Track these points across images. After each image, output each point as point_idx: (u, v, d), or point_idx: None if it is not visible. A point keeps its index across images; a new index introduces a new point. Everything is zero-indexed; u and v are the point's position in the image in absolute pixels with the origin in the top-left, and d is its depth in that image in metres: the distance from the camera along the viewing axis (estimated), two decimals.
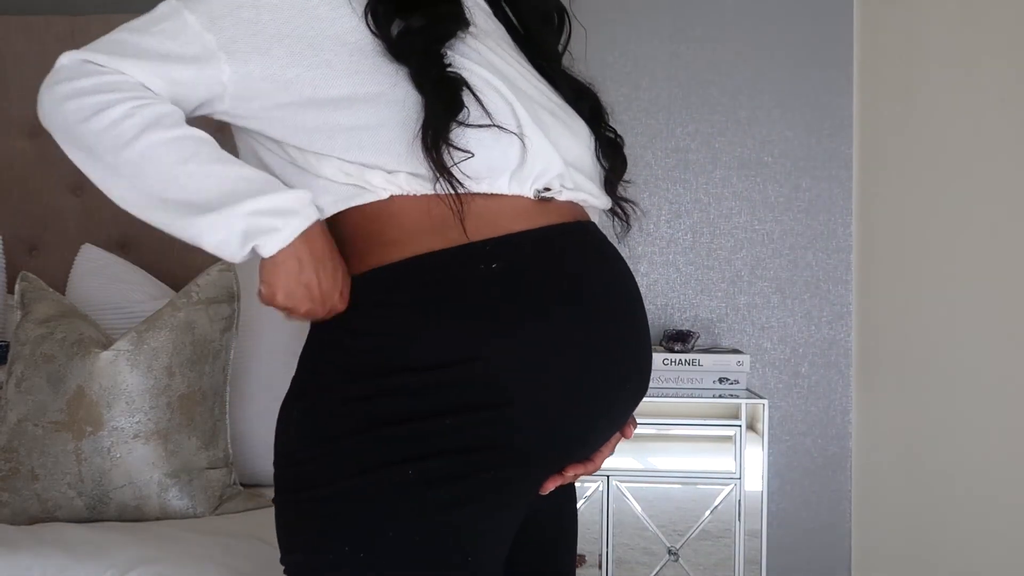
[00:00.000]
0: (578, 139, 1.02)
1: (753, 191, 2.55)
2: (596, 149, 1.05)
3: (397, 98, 0.91)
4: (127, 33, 0.93)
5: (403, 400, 0.90)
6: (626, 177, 1.10)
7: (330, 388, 0.93)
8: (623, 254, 1.04)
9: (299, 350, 1.83)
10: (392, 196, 0.92)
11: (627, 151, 1.12)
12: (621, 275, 1.01)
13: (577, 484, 1.13)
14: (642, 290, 1.11)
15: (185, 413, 1.69)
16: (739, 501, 2.20)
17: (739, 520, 2.21)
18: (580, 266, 0.96)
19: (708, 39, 2.54)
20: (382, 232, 0.93)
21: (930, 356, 2.18)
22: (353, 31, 0.92)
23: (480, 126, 0.90)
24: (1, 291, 2.15)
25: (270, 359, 1.96)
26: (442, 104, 0.89)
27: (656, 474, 2.25)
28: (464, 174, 0.90)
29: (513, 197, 0.94)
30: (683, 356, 2.34)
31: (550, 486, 0.98)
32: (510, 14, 1.11)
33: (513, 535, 0.96)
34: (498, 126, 0.91)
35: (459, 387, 0.89)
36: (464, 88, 0.91)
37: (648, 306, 2.21)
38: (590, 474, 1.02)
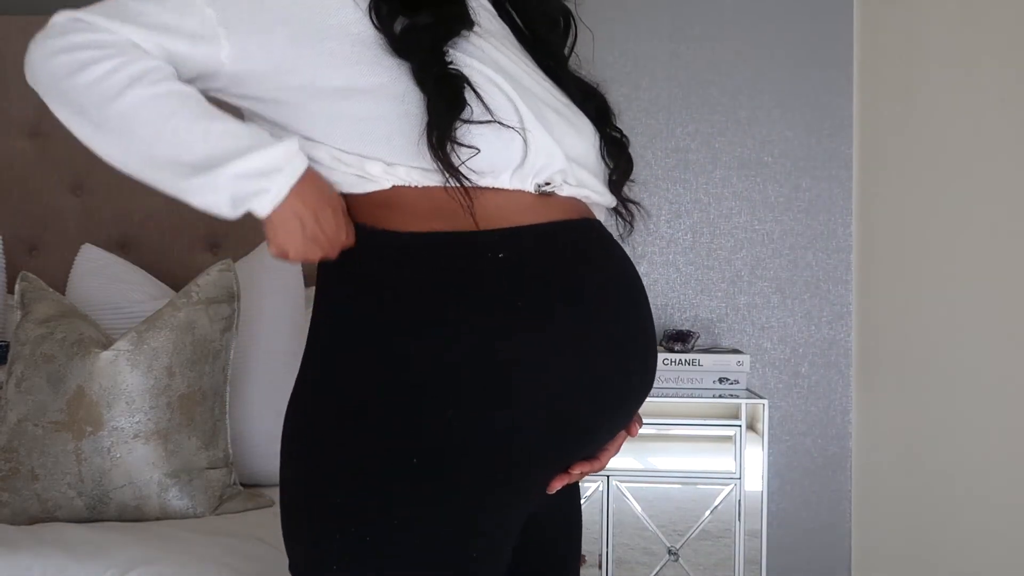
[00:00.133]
0: (582, 137, 1.02)
1: (753, 191, 2.55)
2: (601, 148, 1.06)
3: (397, 92, 0.91)
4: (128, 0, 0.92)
5: (407, 390, 0.89)
6: (631, 177, 1.11)
7: (336, 383, 0.93)
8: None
9: (299, 350, 1.83)
10: (395, 186, 0.93)
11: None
12: (626, 273, 1.01)
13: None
14: None
15: (185, 413, 1.68)
16: (739, 501, 2.20)
17: (739, 520, 2.21)
18: (585, 263, 0.97)
19: (708, 39, 2.54)
20: (388, 218, 0.94)
21: (930, 356, 2.18)
22: (357, 22, 0.93)
23: (482, 122, 0.91)
24: (1, 291, 2.15)
25: (270, 359, 1.96)
26: (444, 102, 0.90)
27: (656, 474, 2.25)
28: (471, 170, 0.90)
29: (515, 192, 0.94)
30: (683, 356, 2.34)
31: (557, 485, 0.98)
32: (515, 17, 1.11)
33: (517, 535, 0.96)
34: (499, 122, 0.91)
35: (462, 381, 0.89)
36: (466, 85, 0.91)
37: None
38: (596, 472, 1.02)
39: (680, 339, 2.39)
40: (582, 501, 2.16)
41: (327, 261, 0.95)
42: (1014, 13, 1.88)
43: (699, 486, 2.24)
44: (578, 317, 0.93)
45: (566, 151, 0.97)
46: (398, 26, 0.93)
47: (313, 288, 2.16)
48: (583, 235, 0.99)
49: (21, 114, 2.36)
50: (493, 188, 0.93)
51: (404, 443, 0.89)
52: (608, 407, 0.97)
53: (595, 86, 1.12)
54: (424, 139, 0.89)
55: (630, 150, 1.11)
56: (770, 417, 2.47)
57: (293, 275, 2.07)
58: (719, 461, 2.23)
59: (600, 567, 2.22)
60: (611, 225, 1.09)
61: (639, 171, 1.13)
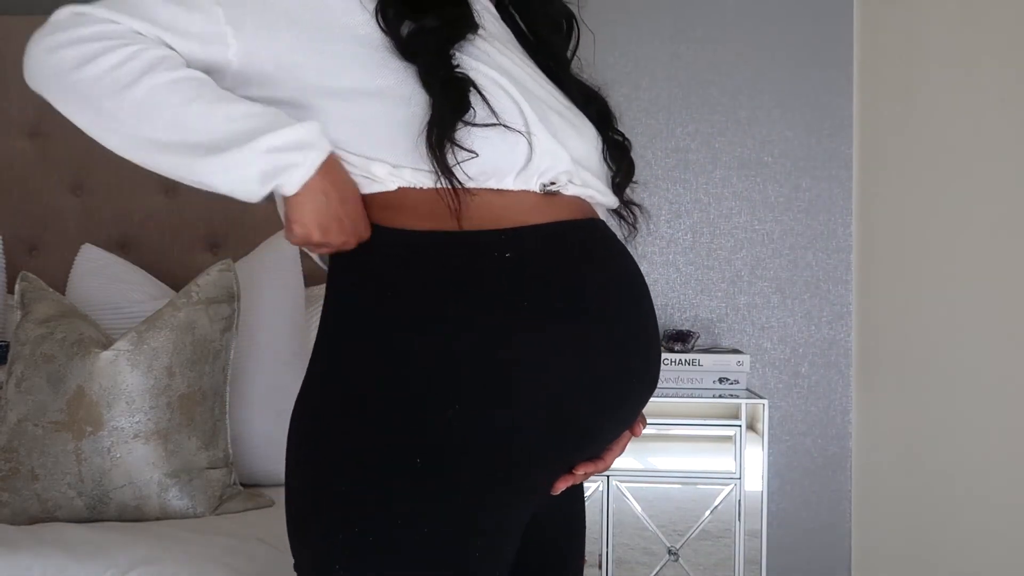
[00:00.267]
0: (585, 140, 1.03)
1: (753, 191, 2.55)
2: (603, 151, 1.06)
3: (403, 95, 0.91)
4: None
5: (408, 386, 0.90)
6: (634, 178, 1.11)
7: (341, 373, 0.93)
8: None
9: (299, 350, 1.84)
10: (400, 187, 0.93)
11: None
12: (630, 273, 1.01)
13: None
14: None
15: (185, 413, 1.68)
16: (739, 501, 2.21)
17: (739, 520, 2.21)
18: (589, 264, 0.97)
19: (708, 39, 2.55)
20: (393, 219, 0.94)
21: (930, 356, 2.18)
22: (363, 25, 0.93)
23: (486, 125, 0.91)
24: (1, 291, 2.15)
25: (270, 359, 1.96)
26: (449, 104, 0.90)
27: (656, 474, 2.25)
28: (466, 174, 0.90)
29: (520, 192, 0.95)
30: (683, 356, 2.34)
31: (561, 486, 0.98)
32: (518, 19, 1.11)
33: (519, 535, 0.96)
34: (504, 125, 0.92)
35: (463, 379, 0.89)
36: (471, 88, 0.91)
37: None
38: (600, 472, 1.02)
39: (680, 339, 2.39)
40: None
41: (341, 253, 0.95)
42: (1014, 13, 1.88)
43: (699, 486, 2.24)
44: (579, 317, 0.93)
45: (570, 152, 0.98)
46: (404, 29, 0.93)
47: (313, 288, 2.16)
48: (589, 235, 0.99)
49: (21, 114, 2.36)
50: (497, 189, 0.93)
51: (405, 439, 0.89)
52: (609, 407, 0.97)
53: (596, 89, 1.12)
54: (424, 137, 0.89)
55: (631, 153, 1.11)
56: (770, 417, 2.47)
57: (293, 275, 2.07)
58: (719, 461, 2.23)
59: (600, 567, 2.22)
60: (613, 226, 1.10)
61: (639, 171, 1.13)
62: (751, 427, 2.24)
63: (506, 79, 0.95)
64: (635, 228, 1.12)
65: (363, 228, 0.93)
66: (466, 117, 0.90)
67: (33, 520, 1.61)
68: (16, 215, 2.35)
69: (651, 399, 1.04)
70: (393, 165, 0.92)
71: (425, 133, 0.89)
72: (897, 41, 2.35)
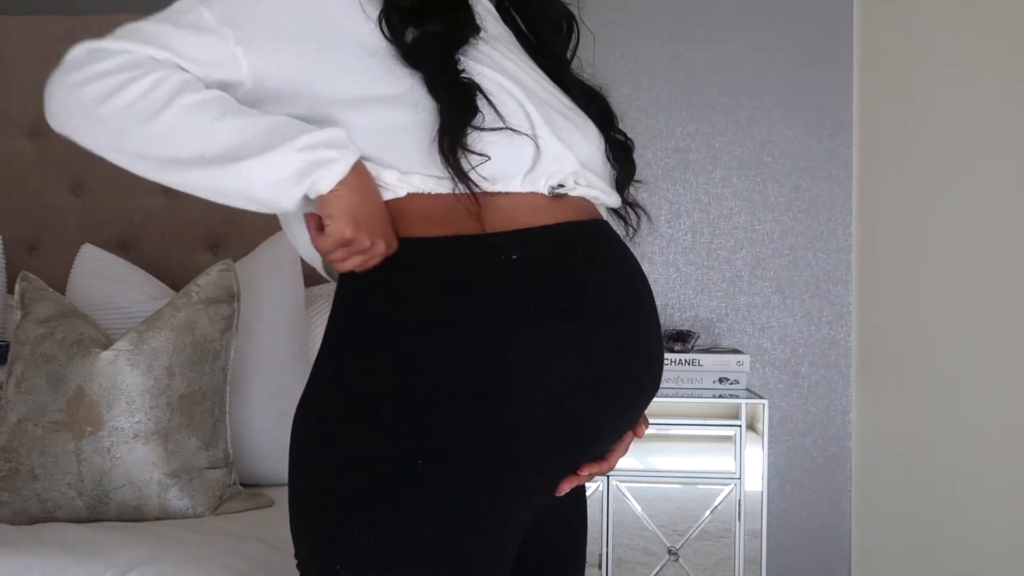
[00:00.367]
0: (589, 140, 1.03)
1: (753, 191, 2.55)
2: (606, 151, 1.07)
3: (411, 101, 0.92)
4: (143, 23, 0.93)
5: (413, 390, 0.90)
6: (635, 177, 1.12)
7: (345, 380, 0.94)
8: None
9: (299, 350, 1.84)
10: (409, 194, 0.94)
11: None
12: (634, 274, 1.02)
13: None
14: None
15: (185, 413, 1.68)
16: (739, 501, 2.21)
17: (739, 520, 2.21)
18: (597, 264, 0.97)
19: (708, 40, 2.54)
20: (402, 226, 0.94)
21: (930, 356, 2.18)
22: (368, 34, 0.94)
23: (494, 129, 0.91)
24: (1, 291, 2.15)
25: (270, 359, 1.96)
26: (457, 109, 0.90)
27: (656, 474, 2.25)
28: (481, 176, 0.91)
29: (527, 194, 0.95)
30: (683, 356, 2.34)
31: (566, 487, 0.99)
32: (519, 20, 1.12)
33: (521, 536, 0.96)
34: (511, 128, 0.92)
35: (467, 381, 0.90)
36: (478, 93, 0.92)
37: None
38: (604, 473, 1.02)
39: (680, 339, 2.39)
40: None
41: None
42: (1014, 13, 1.88)
43: (699, 486, 2.24)
44: (581, 318, 0.93)
45: (576, 155, 0.98)
46: (409, 35, 0.94)
47: (313, 288, 2.17)
48: (595, 236, 1.00)
49: (21, 114, 2.36)
50: (504, 192, 0.94)
51: (408, 442, 0.89)
52: (610, 407, 0.98)
53: (598, 89, 1.13)
54: (436, 145, 0.90)
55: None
56: (770, 417, 2.47)
57: (293, 275, 2.07)
58: (719, 461, 2.23)
59: (600, 567, 2.22)
60: (613, 225, 1.10)
61: (639, 171, 1.14)
62: (751, 427, 2.24)
63: (511, 82, 0.95)
64: (635, 228, 1.12)
65: (391, 234, 0.93)
66: (474, 122, 0.90)
67: (33, 520, 1.61)
68: (16, 215, 2.35)
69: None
70: (403, 171, 0.93)
71: (437, 140, 0.90)
72: (897, 41, 2.35)
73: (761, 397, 2.25)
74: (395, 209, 0.94)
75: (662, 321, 2.52)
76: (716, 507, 2.22)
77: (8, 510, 1.61)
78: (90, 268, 2.16)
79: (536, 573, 1.07)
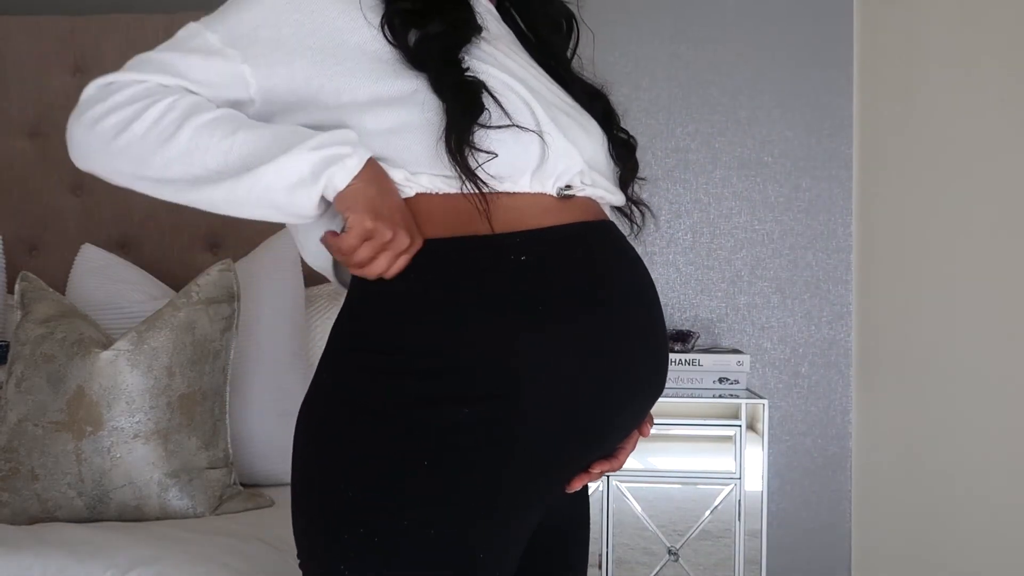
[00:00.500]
0: (593, 139, 1.03)
1: (753, 191, 2.55)
2: (610, 149, 1.07)
3: (417, 102, 0.92)
4: (151, 53, 0.96)
5: (419, 391, 0.90)
6: (638, 175, 1.12)
7: (350, 382, 0.94)
8: None
9: (299, 350, 1.84)
10: (418, 194, 0.94)
11: None
12: (641, 275, 1.02)
13: None
14: None
15: (185, 413, 1.68)
16: (739, 501, 2.20)
17: (739, 520, 2.21)
18: (604, 265, 0.98)
19: (708, 40, 2.54)
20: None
21: (930, 356, 2.18)
22: (372, 41, 0.94)
23: (500, 127, 0.92)
24: (1, 291, 2.15)
25: (270, 359, 1.96)
26: (462, 107, 0.91)
27: (656, 474, 2.25)
28: (488, 174, 0.91)
29: (536, 195, 0.95)
30: (683, 356, 2.34)
31: (577, 484, 0.99)
32: (518, 20, 1.12)
33: (525, 540, 0.97)
34: (518, 126, 0.92)
35: (477, 382, 0.90)
36: (483, 91, 0.92)
37: None
38: (615, 470, 1.03)
39: (680, 339, 2.39)
40: None
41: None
42: (1014, 13, 1.88)
43: (699, 486, 2.24)
44: (598, 321, 0.94)
45: (581, 153, 0.99)
46: (411, 37, 0.94)
47: (313, 288, 2.17)
48: (603, 237, 1.00)
49: (21, 114, 2.36)
50: (512, 192, 0.94)
51: (414, 444, 0.89)
52: (616, 408, 0.98)
53: (599, 88, 1.13)
54: (443, 144, 0.90)
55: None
56: (770, 417, 2.47)
57: (293, 275, 2.07)
58: (719, 461, 2.23)
59: (600, 567, 2.22)
60: (618, 224, 1.10)
61: (640, 170, 1.14)
62: (751, 427, 2.24)
63: (515, 81, 0.96)
64: (639, 226, 1.13)
65: (413, 227, 0.92)
66: (480, 120, 0.91)
67: (33, 520, 1.61)
68: (16, 215, 2.35)
69: None
70: (411, 172, 0.93)
71: (444, 139, 0.90)
72: (897, 41, 2.35)
73: (761, 397, 2.25)
74: None
75: None
76: (716, 507, 2.22)
77: (8, 510, 1.61)
78: (90, 268, 2.16)
79: (541, 556, 1.06)
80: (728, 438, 2.22)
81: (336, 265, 1.04)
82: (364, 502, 0.90)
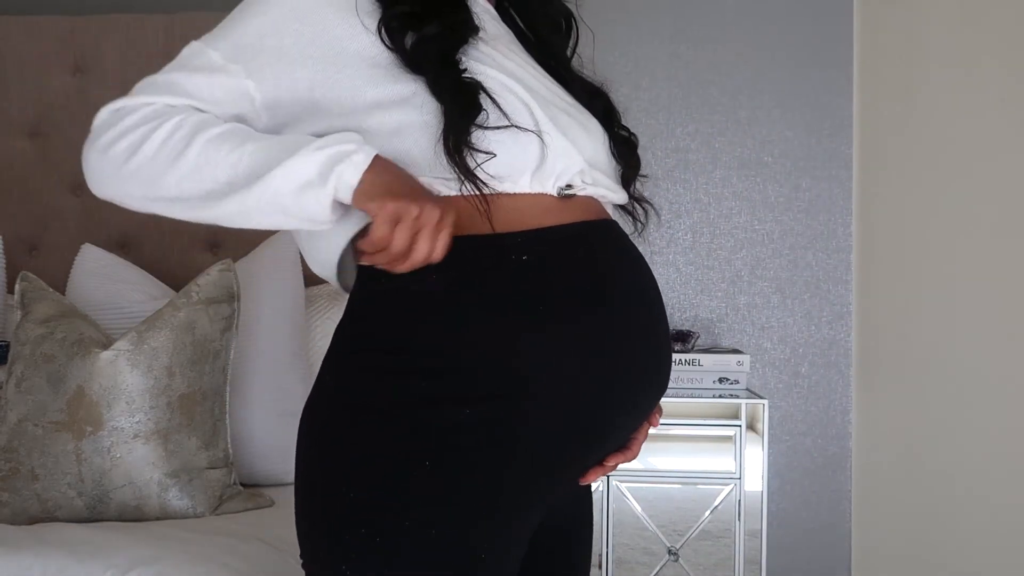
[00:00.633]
0: (593, 137, 1.03)
1: (753, 191, 2.55)
2: (611, 147, 1.07)
3: (416, 105, 0.92)
4: (157, 76, 0.97)
5: (421, 392, 0.90)
6: (640, 172, 1.12)
7: (352, 384, 0.94)
8: None
9: (299, 350, 1.84)
10: None
11: None
12: (643, 274, 1.02)
13: None
14: None
15: (185, 413, 1.68)
16: (739, 501, 2.20)
17: (739, 520, 2.21)
18: (605, 265, 0.98)
19: (708, 39, 2.54)
20: None
21: (930, 356, 2.18)
22: (371, 47, 0.94)
23: (498, 127, 0.92)
24: (1, 291, 2.15)
25: (270, 359, 1.96)
26: (460, 108, 0.91)
27: (656, 474, 2.25)
28: (488, 174, 0.91)
29: (536, 195, 0.95)
30: (683, 356, 2.34)
31: (592, 477, 1.00)
32: (517, 19, 1.12)
33: (527, 541, 0.97)
34: (516, 126, 0.92)
35: (479, 382, 0.90)
36: (481, 92, 0.92)
37: None
38: (629, 461, 1.04)
39: (680, 339, 2.39)
40: None
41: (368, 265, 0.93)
42: (1014, 13, 1.88)
43: (699, 486, 2.24)
44: (601, 321, 0.94)
45: (582, 152, 0.98)
46: (408, 40, 0.94)
47: (313, 288, 2.17)
48: (605, 236, 1.00)
49: (21, 114, 2.36)
50: (512, 192, 0.94)
51: (416, 444, 0.89)
52: (619, 408, 0.98)
53: (599, 86, 1.13)
54: (441, 145, 0.90)
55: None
56: (770, 417, 2.47)
57: (293, 275, 2.07)
58: (719, 461, 2.23)
59: (600, 567, 2.22)
60: (621, 222, 1.10)
61: (641, 169, 1.14)
62: (751, 427, 2.24)
63: (513, 81, 0.96)
64: (644, 224, 1.13)
65: (439, 199, 0.90)
66: (478, 120, 0.91)
67: (33, 520, 1.61)
68: (16, 215, 2.35)
69: None
70: (412, 174, 0.93)
71: (442, 140, 0.90)
72: (897, 41, 2.35)
73: (761, 397, 2.25)
74: None
75: None
76: (716, 507, 2.22)
77: (8, 510, 1.61)
78: (90, 268, 2.16)
79: (543, 556, 1.06)
80: (728, 438, 2.22)
81: (342, 271, 1.04)
82: (366, 503, 0.90)
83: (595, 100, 1.10)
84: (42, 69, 2.36)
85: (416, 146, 0.92)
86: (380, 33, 0.94)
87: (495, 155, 0.91)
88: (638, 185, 1.12)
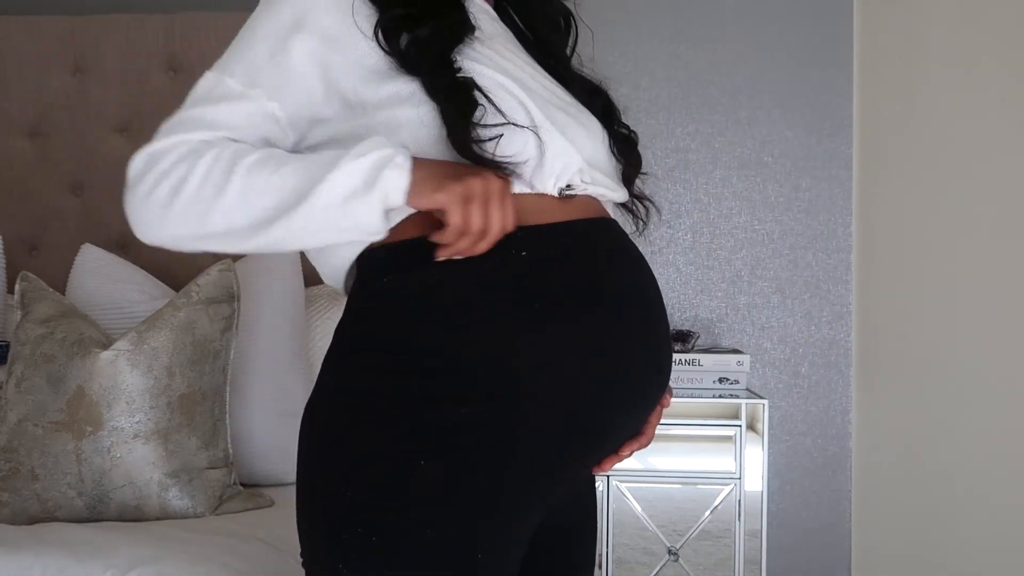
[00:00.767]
0: (592, 136, 1.03)
1: (753, 191, 2.55)
2: (611, 145, 1.07)
3: (414, 105, 0.93)
4: (181, 113, 0.97)
5: (420, 392, 0.90)
6: (641, 170, 1.12)
7: (352, 384, 0.94)
8: None
9: (299, 350, 1.84)
10: None
11: None
12: (643, 273, 1.02)
13: None
14: None
15: (185, 413, 1.68)
16: (739, 501, 2.21)
17: (739, 520, 2.21)
18: (605, 264, 0.98)
19: (708, 39, 2.54)
20: (409, 228, 0.95)
21: (930, 356, 2.18)
22: (369, 54, 0.95)
23: (494, 125, 0.91)
24: (1, 291, 2.15)
25: (270, 359, 1.96)
26: (457, 109, 0.91)
27: (656, 474, 2.25)
28: (504, 157, 0.91)
29: (536, 195, 0.95)
30: (683, 356, 2.34)
31: (608, 466, 1.01)
32: (516, 18, 1.12)
33: (526, 541, 0.96)
34: (512, 123, 0.92)
35: (479, 382, 0.90)
36: (476, 91, 0.92)
37: None
38: (645, 448, 1.04)
39: (680, 339, 2.39)
40: None
41: (368, 262, 0.94)
42: (1014, 13, 1.88)
43: (699, 486, 2.24)
44: (601, 320, 0.94)
45: (580, 151, 0.98)
46: (403, 42, 0.94)
47: (313, 288, 2.16)
48: (605, 234, 1.00)
49: (21, 114, 2.36)
50: (512, 192, 0.93)
51: (415, 444, 0.89)
52: (619, 407, 0.98)
53: (598, 83, 1.13)
54: (439, 145, 0.91)
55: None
56: (770, 417, 2.47)
57: (293, 275, 2.07)
58: (719, 461, 2.23)
59: (600, 567, 2.22)
60: (622, 220, 1.10)
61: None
62: (751, 427, 2.24)
63: (509, 80, 0.95)
64: (645, 222, 1.13)
65: (483, 170, 0.90)
66: (475, 117, 0.91)
67: (33, 520, 1.61)
68: (16, 215, 2.35)
69: None
70: None
71: (450, 144, 0.91)
72: (897, 41, 2.35)
73: (761, 397, 2.25)
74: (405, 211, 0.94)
75: None
76: (716, 507, 2.22)
77: (8, 510, 1.61)
78: (90, 268, 2.16)
79: (543, 556, 1.06)
80: (728, 438, 2.22)
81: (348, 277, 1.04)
82: (365, 503, 0.90)
83: (594, 98, 1.10)
84: (42, 69, 2.36)
85: (415, 146, 0.92)
86: (377, 36, 0.95)
87: (502, 135, 0.91)
88: (639, 183, 1.12)
